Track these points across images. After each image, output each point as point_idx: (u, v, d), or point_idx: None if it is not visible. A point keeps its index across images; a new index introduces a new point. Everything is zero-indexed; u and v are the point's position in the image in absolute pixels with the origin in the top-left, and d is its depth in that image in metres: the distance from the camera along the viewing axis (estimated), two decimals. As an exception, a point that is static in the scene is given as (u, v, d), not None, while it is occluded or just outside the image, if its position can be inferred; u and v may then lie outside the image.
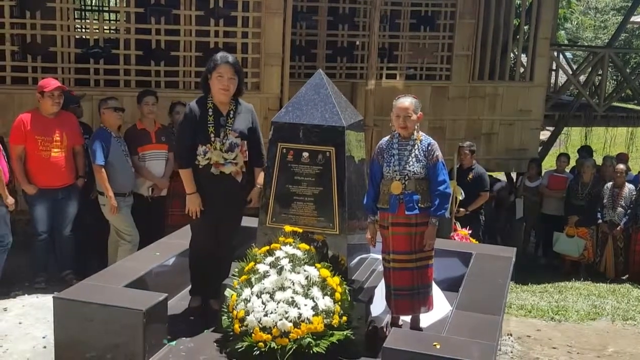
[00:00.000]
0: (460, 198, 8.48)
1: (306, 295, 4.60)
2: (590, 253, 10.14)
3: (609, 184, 10.09)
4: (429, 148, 4.86)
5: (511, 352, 5.88)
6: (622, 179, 9.99)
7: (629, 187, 9.97)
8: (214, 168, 5.07)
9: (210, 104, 5.11)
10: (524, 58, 11.78)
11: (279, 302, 4.56)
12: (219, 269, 5.37)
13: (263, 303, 4.59)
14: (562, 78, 15.38)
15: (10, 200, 6.43)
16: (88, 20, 13.60)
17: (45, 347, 5.26)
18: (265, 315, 4.53)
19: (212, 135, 5.04)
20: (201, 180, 5.12)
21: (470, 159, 9.15)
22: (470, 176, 9.00)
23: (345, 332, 4.62)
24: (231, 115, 5.14)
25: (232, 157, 5.09)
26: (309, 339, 4.46)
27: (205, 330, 5.12)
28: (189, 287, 5.52)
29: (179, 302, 5.31)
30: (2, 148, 6.49)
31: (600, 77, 13.03)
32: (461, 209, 8.76)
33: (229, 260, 5.43)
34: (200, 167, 5.09)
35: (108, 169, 6.63)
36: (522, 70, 11.55)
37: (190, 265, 5.46)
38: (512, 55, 11.65)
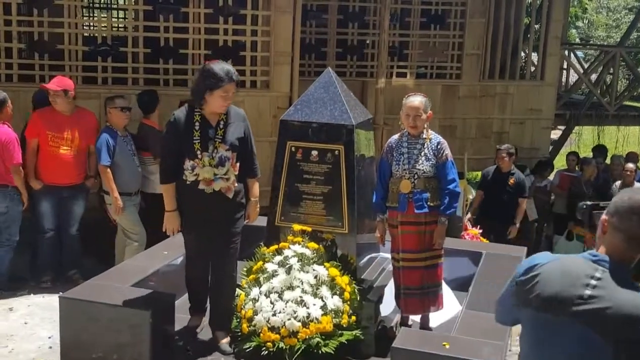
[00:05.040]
0: (471, 197, 8.33)
1: (315, 295, 4.56)
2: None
3: (618, 183, 9.99)
4: (439, 147, 4.84)
5: (522, 352, 5.81)
6: (631, 178, 9.89)
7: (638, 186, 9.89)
8: (202, 185, 4.56)
9: (198, 116, 4.60)
10: (534, 57, 11.71)
11: (287, 302, 4.52)
12: (217, 297, 4.89)
13: (271, 302, 4.56)
14: (573, 77, 15.28)
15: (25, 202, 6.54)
16: (96, 18, 13.62)
17: (50, 347, 5.24)
18: (274, 314, 4.50)
19: (198, 151, 4.55)
20: (187, 197, 4.65)
21: (509, 163, 8.60)
22: (512, 181, 8.49)
23: (354, 332, 4.58)
24: (221, 126, 4.63)
25: (223, 171, 4.57)
26: (317, 339, 4.43)
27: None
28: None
29: (187, 302, 5.25)
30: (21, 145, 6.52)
31: (611, 76, 12.95)
32: (513, 227, 8.29)
33: (228, 286, 4.86)
34: (187, 182, 4.59)
35: (114, 168, 6.59)
36: (532, 69, 11.47)
37: (187, 285, 5.08)
38: (522, 54, 11.58)
